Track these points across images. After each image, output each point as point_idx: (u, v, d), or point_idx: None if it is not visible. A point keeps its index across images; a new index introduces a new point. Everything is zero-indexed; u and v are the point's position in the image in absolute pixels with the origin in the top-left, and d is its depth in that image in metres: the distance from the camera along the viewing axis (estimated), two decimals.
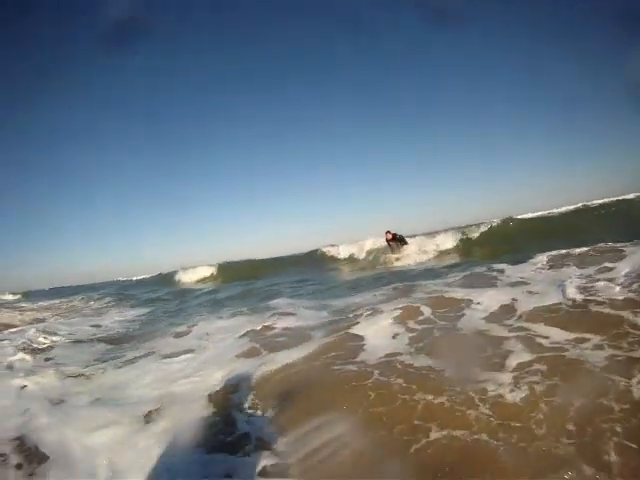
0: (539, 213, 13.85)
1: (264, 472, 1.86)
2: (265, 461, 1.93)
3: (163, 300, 11.79)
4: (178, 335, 5.05)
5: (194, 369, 3.51)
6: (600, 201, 13.12)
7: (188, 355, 3.99)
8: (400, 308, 4.26)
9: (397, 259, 13.77)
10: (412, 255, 13.24)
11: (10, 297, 30.05)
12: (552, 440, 1.68)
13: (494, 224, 13.63)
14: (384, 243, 14.55)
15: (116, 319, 7.96)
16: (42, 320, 9.34)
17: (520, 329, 3.02)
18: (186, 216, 59.18)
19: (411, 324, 3.53)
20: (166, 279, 21.84)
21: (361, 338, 3.34)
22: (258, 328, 4.43)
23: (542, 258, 6.11)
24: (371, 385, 2.47)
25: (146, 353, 4.37)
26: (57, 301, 17.31)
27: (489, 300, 3.85)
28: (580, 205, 13.47)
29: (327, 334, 3.85)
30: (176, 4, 38.21)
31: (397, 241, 14.11)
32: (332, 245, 17.30)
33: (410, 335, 3.27)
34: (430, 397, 2.16)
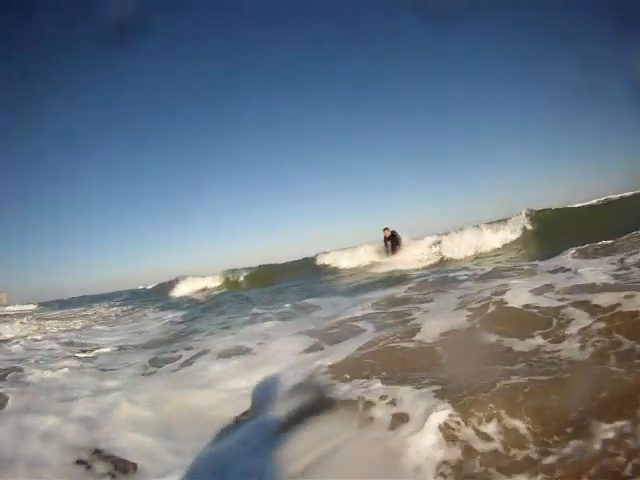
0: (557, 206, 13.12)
1: None
2: None
3: (193, 304, 11.96)
4: (228, 335, 5.19)
5: (260, 365, 3.53)
6: (620, 195, 12.86)
7: (248, 354, 4.02)
8: (444, 293, 4.64)
9: (390, 257, 13.08)
10: (416, 257, 12.45)
11: (29, 307, 30.78)
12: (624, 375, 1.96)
13: (513, 221, 12.15)
14: (383, 245, 14.01)
15: (156, 324, 8.10)
16: (75, 328, 9.51)
17: (568, 300, 3.27)
18: (188, 225, 59.28)
19: (467, 305, 3.75)
20: (170, 287, 21.63)
21: (415, 318, 3.65)
22: (310, 325, 4.62)
23: (571, 251, 6.36)
24: (444, 362, 2.66)
25: (200, 352, 4.39)
26: (80, 309, 17.80)
27: (530, 283, 4.07)
28: (602, 199, 13.07)
29: (382, 321, 4.10)
30: (176, 4, 38.80)
31: (395, 240, 13.49)
32: (326, 252, 16.79)
33: (468, 314, 3.46)
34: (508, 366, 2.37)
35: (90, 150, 54.44)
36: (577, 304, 3.10)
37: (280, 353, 3.81)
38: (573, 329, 2.68)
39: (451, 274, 6.72)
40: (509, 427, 1.74)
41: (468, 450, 1.67)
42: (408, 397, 2.11)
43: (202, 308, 9.71)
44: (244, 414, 2.61)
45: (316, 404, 2.40)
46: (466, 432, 1.74)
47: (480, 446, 1.66)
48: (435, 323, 3.42)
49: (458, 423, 1.78)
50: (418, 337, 3.20)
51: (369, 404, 2.15)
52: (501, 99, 42.94)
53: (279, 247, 46.10)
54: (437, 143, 49.94)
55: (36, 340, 6.99)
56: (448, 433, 1.75)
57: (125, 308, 14.47)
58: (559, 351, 2.44)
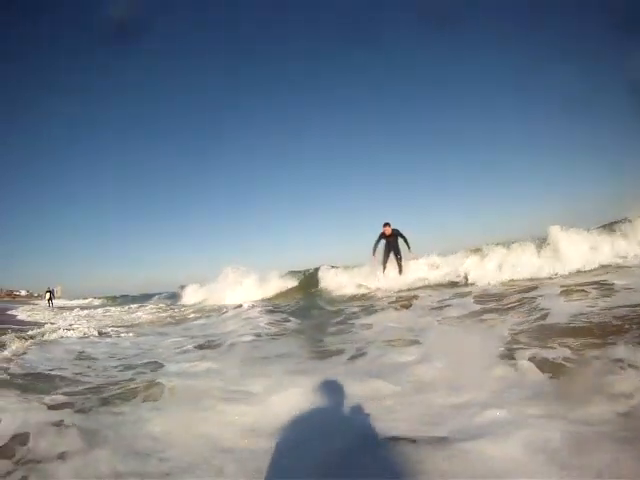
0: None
1: None
2: None
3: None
4: (367, 327, 5.25)
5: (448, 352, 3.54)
6: None
7: (418, 344, 4.03)
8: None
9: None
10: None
11: (80, 301, 31.42)
12: None
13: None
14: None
15: (249, 318, 7.57)
16: (171, 322, 9.37)
17: None
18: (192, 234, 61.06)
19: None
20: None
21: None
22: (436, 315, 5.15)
23: None
24: None
25: (365, 344, 4.26)
26: (137, 305, 17.96)
27: None
28: None
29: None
30: (177, 4, 39.31)
31: (397, 247, 9.24)
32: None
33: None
34: None
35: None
36: None
37: (449, 339, 4.06)
38: None
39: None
40: None
41: None
42: None
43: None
44: None
45: None
46: None
47: None
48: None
49: None
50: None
51: None
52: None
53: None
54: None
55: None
56: None
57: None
58: None
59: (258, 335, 5.41)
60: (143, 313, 12.50)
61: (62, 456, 2.13)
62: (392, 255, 9.22)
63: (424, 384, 2.95)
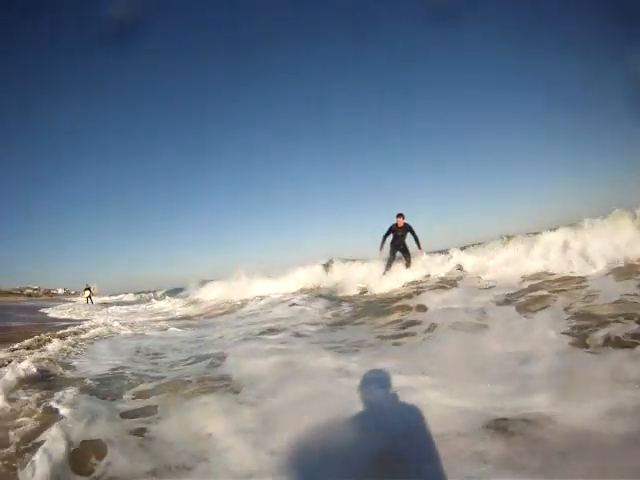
0: None
1: None
2: None
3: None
4: (422, 309, 5.20)
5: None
6: None
7: (484, 327, 3.96)
8: None
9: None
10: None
11: (130, 297, 32.09)
12: None
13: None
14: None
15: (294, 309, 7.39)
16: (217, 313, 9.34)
17: None
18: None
19: None
20: None
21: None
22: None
23: None
24: None
25: (429, 327, 4.23)
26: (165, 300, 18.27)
27: None
28: None
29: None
30: (177, 4, 38.65)
31: (405, 237, 8.36)
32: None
33: None
34: None
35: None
36: None
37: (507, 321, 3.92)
38: None
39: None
40: None
41: None
42: None
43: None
44: None
45: None
46: None
47: None
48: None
49: None
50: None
51: None
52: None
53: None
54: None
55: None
56: None
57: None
58: None
59: (314, 323, 5.35)
60: (184, 305, 12.61)
61: (154, 473, 1.82)
62: (399, 253, 8.48)
63: (504, 363, 2.94)
